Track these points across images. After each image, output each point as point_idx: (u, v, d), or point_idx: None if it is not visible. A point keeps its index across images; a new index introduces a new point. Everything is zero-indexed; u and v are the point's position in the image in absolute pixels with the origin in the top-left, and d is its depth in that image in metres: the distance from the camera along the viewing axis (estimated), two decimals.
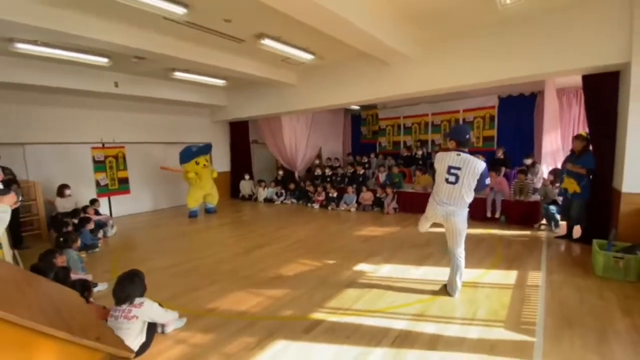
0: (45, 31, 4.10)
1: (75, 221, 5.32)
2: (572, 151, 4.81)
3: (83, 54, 5.29)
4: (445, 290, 3.30)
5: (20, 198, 2.40)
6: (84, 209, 6.12)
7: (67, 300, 1.51)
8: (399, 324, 2.74)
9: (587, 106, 4.80)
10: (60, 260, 3.32)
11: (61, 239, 3.95)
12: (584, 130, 6.80)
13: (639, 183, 3.95)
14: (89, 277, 3.66)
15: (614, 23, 4.01)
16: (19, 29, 4.08)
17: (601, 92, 4.52)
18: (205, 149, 7.79)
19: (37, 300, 1.22)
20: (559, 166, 6.44)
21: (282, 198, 9.36)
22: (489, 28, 4.81)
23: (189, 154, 7.39)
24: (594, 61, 4.22)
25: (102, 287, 3.66)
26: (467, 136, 3.04)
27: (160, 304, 2.59)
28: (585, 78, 4.69)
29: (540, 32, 4.46)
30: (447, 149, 3.16)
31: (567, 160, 4.86)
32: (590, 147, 4.64)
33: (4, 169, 5.12)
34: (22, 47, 4.80)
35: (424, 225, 3.44)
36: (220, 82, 7.55)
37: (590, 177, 4.59)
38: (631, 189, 3.98)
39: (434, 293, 3.31)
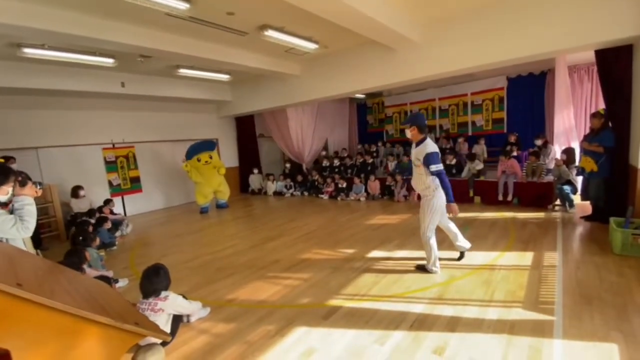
0: (52, 34, 4.13)
1: (93, 221, 5.44)
2: (591, 129, 4.71)
3: (89, 56, 5.33)
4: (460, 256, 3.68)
5: (38, 187, 2.48)
6: (100, 209, 6.26)
7: (101, 289, 1.57)
8: (417, 308, 2.77)
9: (601, 82, 4.68)
10: (87, 256, 3.43)
11: (80, 238, 4.05)
12: (597, 107, 6.65)
13: None
14: (110, 274, 3.76)
15: None
16: (26, 33, 4.11)
17: (615, 66, 4.40)
18: (207, 145, 7.81)
19: (75, 289, 1.27)
20: (573, 145, 6.34)
21: (291, 190, 9.41)
22: (495, 7, 4.68)
23: (191, 151, 7.48)
24: (606, 35, 4.07)
25: (122, 284, 3.75)
26: (426, 122, 3.31)
27: (184, 296, 2.66)
28: (598, 53, 4.56)
29: (548, 7, 4.32)
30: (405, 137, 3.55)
31: (585, 138, 4.77)
32: (610, 124, 4.53)
33: (20, 173, 5.24)
34: (29, 51, 4.86)
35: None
36: (224, 76, 7.55)
37: (608, 155, 4.48)
38: None
39: (450, 276, 3.33)
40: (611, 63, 4.44)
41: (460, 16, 4.97)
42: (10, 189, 2.33)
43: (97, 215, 5.87)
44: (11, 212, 2.29)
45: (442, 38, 5.23)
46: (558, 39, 4.35)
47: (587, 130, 5.41)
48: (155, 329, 1.29)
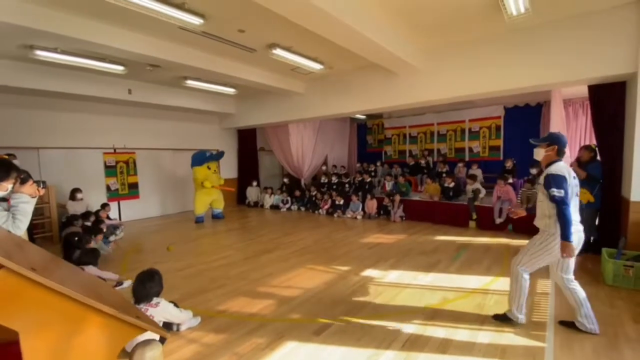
0: (67, 39, 4.27)
1: (89, 223, 5.41)
2: (579, 160, 4.83)
3: (100, 62, 5.47)
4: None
5: (41, 186, 2.47)
6: (97, 212, 6.23)
7: (100, 284, 1.58)
8: (409, 328, 2.76)
9: (593, 116, 4.83)
10: None
11: (76, 239, 4.03)
12: (591, 140, 6.83)
13: None
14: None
15: (620, 33, 4.09)
16: (42, 36, 4.24)
17: (608, 101, 4.57)
18: (219, 156, 7.99)
19: (78, 279, 1.28)
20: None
21: (288, 205, 9.42)
22: (495, 38, 4.91)
23: (201, 158, 7.53)
24: (600, 71, 4.28)
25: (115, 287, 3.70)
26: (567, 145, 2.63)
27: (175, 304, 2.64)
28: (591, 88, 4.74)
29: (546, 42, 4.55)
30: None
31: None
32: (599, 158, 4.66)
33: (22, 171, 5.25)
34: (42, 54, 4.97)
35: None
36: (230, 90, 7.71)
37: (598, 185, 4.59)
38: None
39: (444, 299, 3.33)
40: (604, 98, 4.62)
41: (460, 46, 5.20)
42: (10, 186, 2.33)
43: (93, 218, 5.83)
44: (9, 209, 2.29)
45: (442, 65, 5.44)
46: (553, 73, 4.56)
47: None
48: (154, 324, 1.31)
